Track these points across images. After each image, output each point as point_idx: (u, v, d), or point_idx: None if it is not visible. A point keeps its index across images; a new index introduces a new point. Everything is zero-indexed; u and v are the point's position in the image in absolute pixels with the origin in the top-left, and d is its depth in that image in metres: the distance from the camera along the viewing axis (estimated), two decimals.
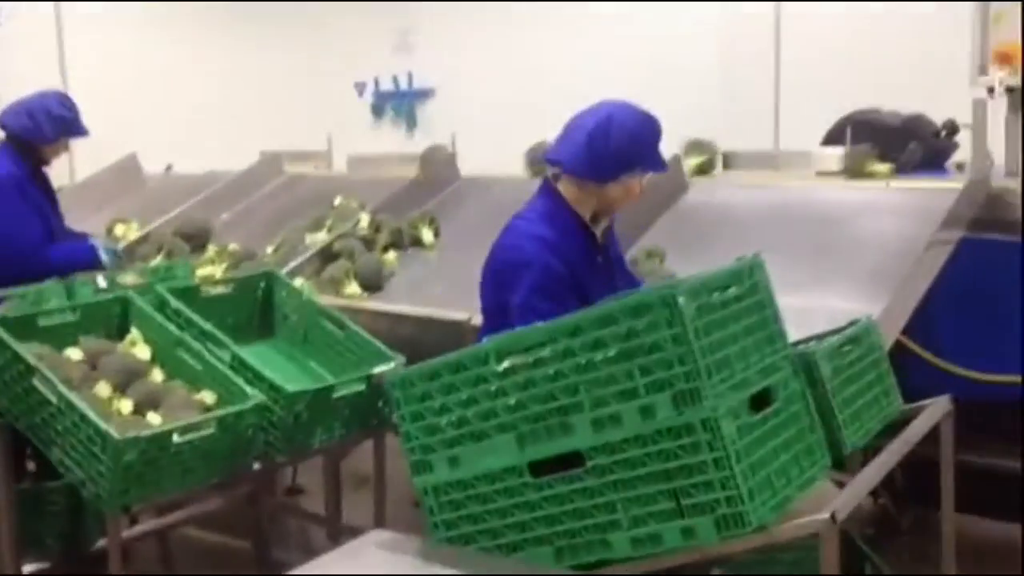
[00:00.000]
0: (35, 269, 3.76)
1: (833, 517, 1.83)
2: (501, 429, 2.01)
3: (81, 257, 4.00)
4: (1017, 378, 3.41)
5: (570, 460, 1.96)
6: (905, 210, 3.52)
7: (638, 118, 2.62)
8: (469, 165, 4.92)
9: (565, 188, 2.68)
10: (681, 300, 1.81)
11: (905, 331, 3.54)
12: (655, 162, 2.62)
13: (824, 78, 5.67)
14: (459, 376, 2.04)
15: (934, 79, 4.70)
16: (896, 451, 2.17)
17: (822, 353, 2.19)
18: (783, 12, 5.98)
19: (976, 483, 3.49)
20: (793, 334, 2.39)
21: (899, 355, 3.53)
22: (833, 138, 4.49)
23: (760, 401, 1.98)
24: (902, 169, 4.05)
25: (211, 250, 4.44)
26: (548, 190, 2.71)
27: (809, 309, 2.93)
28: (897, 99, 4.56)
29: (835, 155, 4.14)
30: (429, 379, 2.08)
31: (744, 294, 2.01)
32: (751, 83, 6.08)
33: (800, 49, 5.91)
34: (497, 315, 2.53)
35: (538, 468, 2.00)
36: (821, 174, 4.10)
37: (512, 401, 1.99)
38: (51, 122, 3.97)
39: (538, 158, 4.29)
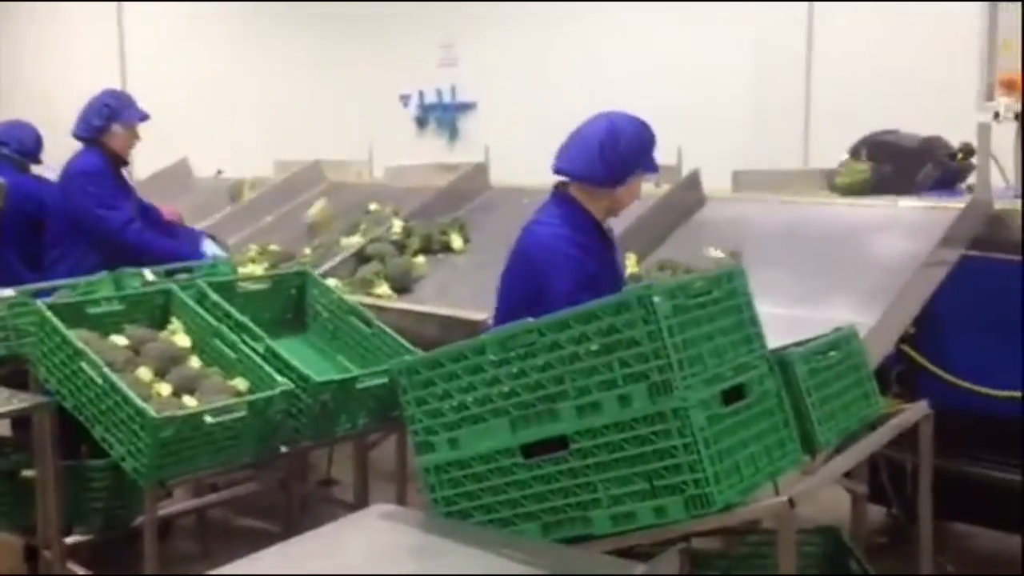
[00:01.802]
0: (126, 247, 4.07)
1: (791, 501, 2.00)
2: (496, 414, 2.21)
3: (187, 256, 4.21)
4: (1018, 394, 3.53)
5: (557, 443, 2.15)
6: (911, 229, 3.66)
7: (639, 124, 2.87)
8: (503, 176, 5.14)
9: (577, 194, 2.90)
10: (656, 299, 2.00)
11: (917, 345, 3.70)
12: (654, 164, 2.85)
13: (853, 100, 5.80)
14: (459, 365, 2.24)
15: (956, 103, 4.83)
16: (864, 447, 2.33)
17: (798, 355, 2.36)
18: (815, 32, 6.13)
19: (980, 494, 3.65)
20: (784, 340, 2.57)
21: (915, 369, 3.70)
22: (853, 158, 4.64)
23: (734, 395, 2.15)
24: (917, 189, 4.19)
25: (253, 249, 4.69)
26: (563, 197, 2.93)
27: (805, 319, 3.09)
28: (921, 122, 4.69)
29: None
30: (432, 367, 2.28)
31: (722, 298, 2.18)
32: (782, 103, 6.23)
33: (830, 70, 6.05)
34: (522, 311, 2.71)
35: (529, 450, 2.19)
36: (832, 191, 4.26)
37: (506, 388, 2.19)
38: (99, 113, 4.26)
39: None
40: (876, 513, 3.91)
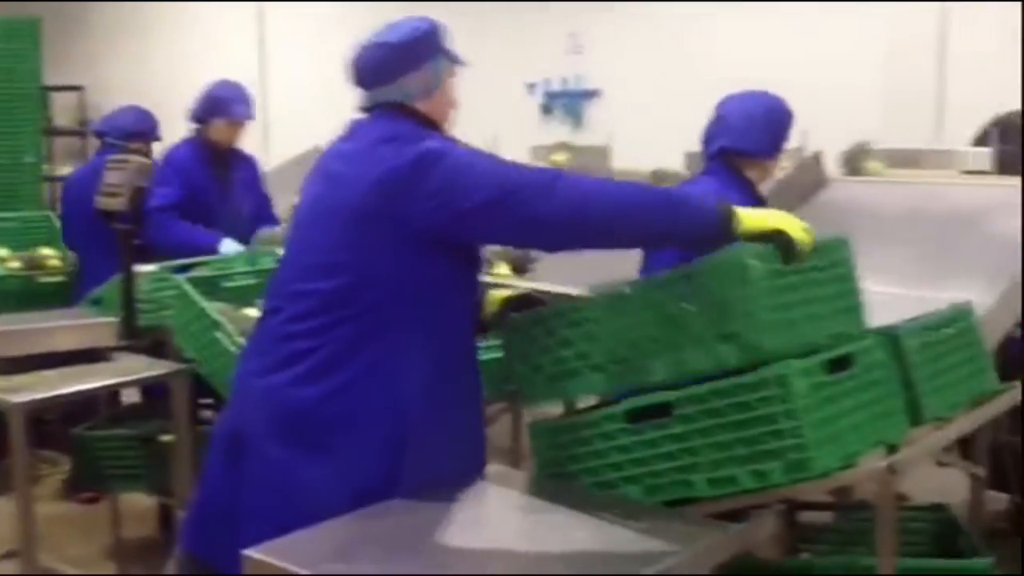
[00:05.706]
0: (152, 230, 4.12)
1: (890, 467, 2.00)
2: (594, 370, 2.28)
3: (200, 244, 4.16)
4: None
5: (660, 410, 2.20)
6: None
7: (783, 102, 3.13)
8: (625, 160, 5.19)
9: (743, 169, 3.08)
10: (751, 262, 2.04)
11: None
12: None
13: (992, 78, 5.63)
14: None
15: None
16: (968, 422, 2.31)
17: (906, 329, 2.35)
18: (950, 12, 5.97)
19: None
20: (900, 319, 2.55)
21: None
22: (982, 140, 4.53)
23: (841, 366, 2.16)
24: None
25: None
26: (720, 168, 3.09)
27: (922, 299, 3.03)
28: None
29: (980, 155, 4.19)
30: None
31: (824, 267, 2.20)
32: (913, 85, 6.08)
33: (967, 47, 5.89)
34: None
35: (634, 416, 2.24)
36: (966, 173, 4.16)
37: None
38: (206, 102, 4.39)
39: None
40: (1000, 501, 3.82)
